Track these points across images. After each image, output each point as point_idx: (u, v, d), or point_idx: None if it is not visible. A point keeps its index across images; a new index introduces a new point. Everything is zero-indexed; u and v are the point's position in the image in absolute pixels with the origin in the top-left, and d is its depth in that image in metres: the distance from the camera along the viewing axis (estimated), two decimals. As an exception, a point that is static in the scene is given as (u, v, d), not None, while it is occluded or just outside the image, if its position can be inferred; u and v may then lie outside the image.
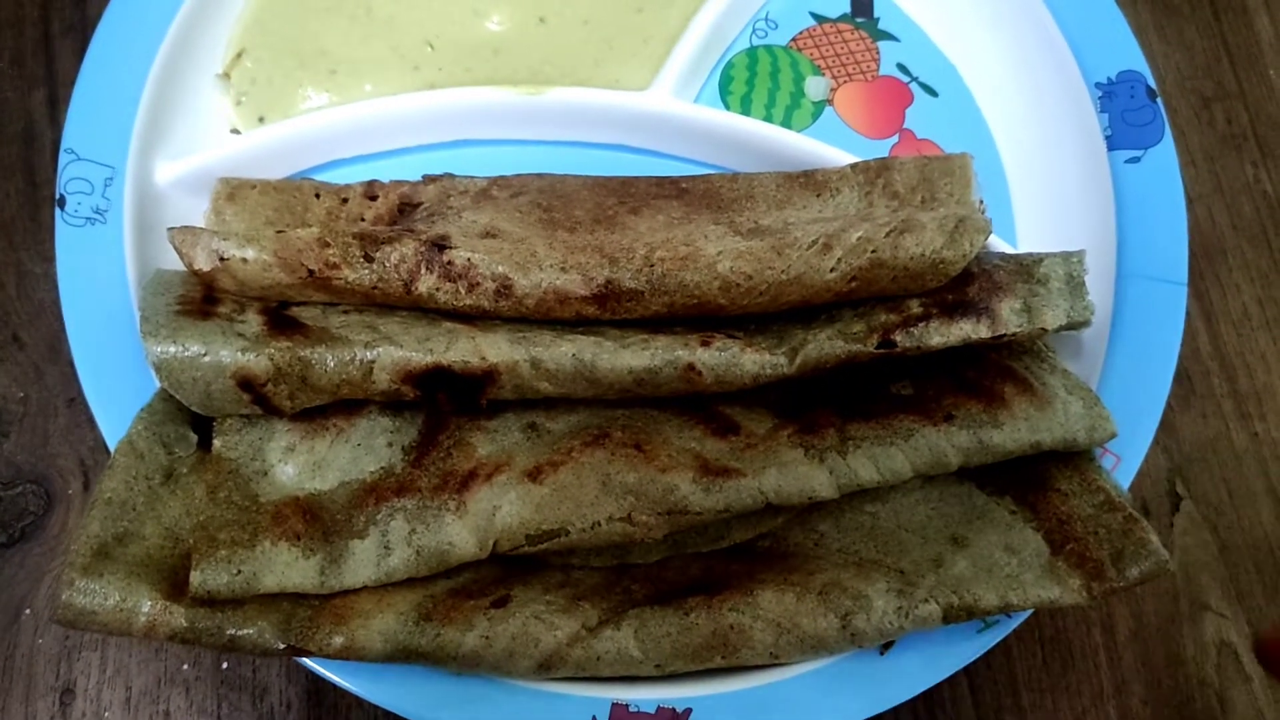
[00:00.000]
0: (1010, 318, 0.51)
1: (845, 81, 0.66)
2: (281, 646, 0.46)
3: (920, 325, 0.50)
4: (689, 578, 0.51)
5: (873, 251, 0.50)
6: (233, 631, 0.46)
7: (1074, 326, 0.53)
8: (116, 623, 0.46)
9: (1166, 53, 0.71)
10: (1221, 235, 0.68)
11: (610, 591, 0.50)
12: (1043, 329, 0.51)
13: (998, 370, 0.53)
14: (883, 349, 0.50)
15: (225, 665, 0.57)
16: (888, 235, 0.50)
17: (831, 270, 0.50)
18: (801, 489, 0.49)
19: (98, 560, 0.46)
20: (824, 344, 0.50)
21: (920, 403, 0.52)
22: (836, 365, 0.50)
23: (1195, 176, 0.69)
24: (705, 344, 0.50)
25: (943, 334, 0.50)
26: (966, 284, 0.52)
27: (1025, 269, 0.54)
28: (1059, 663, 0.59)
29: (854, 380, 0.53)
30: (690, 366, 0.49)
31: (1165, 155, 0.61)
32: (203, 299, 0.49)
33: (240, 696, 0.57)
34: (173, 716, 0.57)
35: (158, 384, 0.46)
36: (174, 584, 0.47)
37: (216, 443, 0.50)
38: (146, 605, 0.46)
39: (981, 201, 0.57)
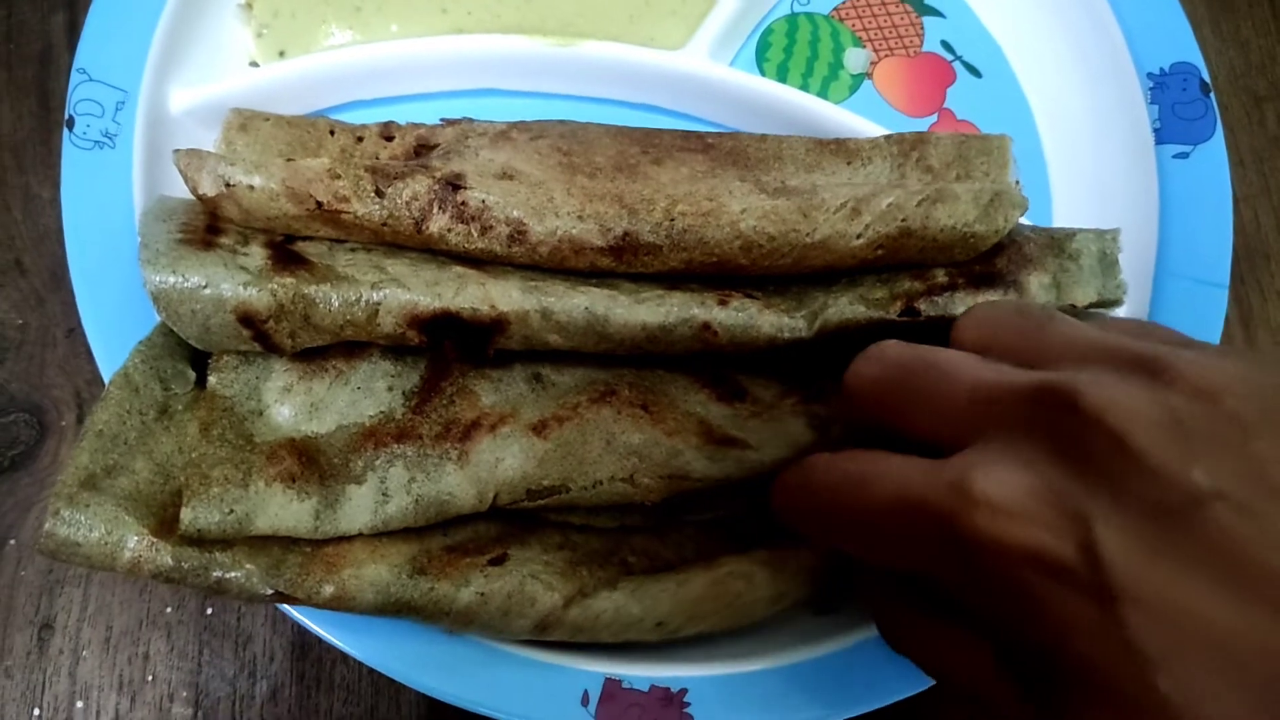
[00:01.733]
0: (1039, 292, 0.50)
1: (886, 55, 0.64)
2: (269, 592, 0.45)
3: (945, 295, 0.49)
4: (684, 554, 0.50)
5: (902, 220, 0.48)
6: (219, 574, 0.45)
7: (1104, 305, 0.51)
8: (101, 556, 0.44)
9: (1220, 48, 0.68)
10: (1266, 239, 0.65)
11: (608, 561, 0.49)
12: (1072, 306, 0.50)
13: None
14: (906, 317, 0.48)
15: (210, 611, 0.56)
16: (919, 204, 0.48)
17: (858, 237, 0.49)
18: None
19: (84, 491, 0.44)
20: (845, 309, 0.48)
21: None
22: (856, 331, 0.48)
23: (1243, 177, 0.66)
24: (723, 303, 0.48)
25: (968, 305, 0.49)
26: (995, 255, 0.51)
27: (1057, 243, 0.52)
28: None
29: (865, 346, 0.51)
30: (706, 325, 0.47)
31: (1215, 152, 0.58)
32: (206, 228, 0.47)
33: (223, 643, 0.56)
34: (152, 659, 0.55)
35: (145, 289, 0.44)
36: (162, 521, 0.45)
37: (211, 379, 0.48)
38: (133, 540, 0.44)
39: (1018, 182, 0.55)
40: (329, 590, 0.45)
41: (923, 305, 0.48)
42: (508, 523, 0.50)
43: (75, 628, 0.55)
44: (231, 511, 0.45)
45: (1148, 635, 0.29)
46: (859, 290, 0.50)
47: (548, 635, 0.47)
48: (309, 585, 0.45)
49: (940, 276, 0.50)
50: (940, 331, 0.49)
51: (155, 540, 0.44)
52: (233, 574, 0.45)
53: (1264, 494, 0.29)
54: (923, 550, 0.36)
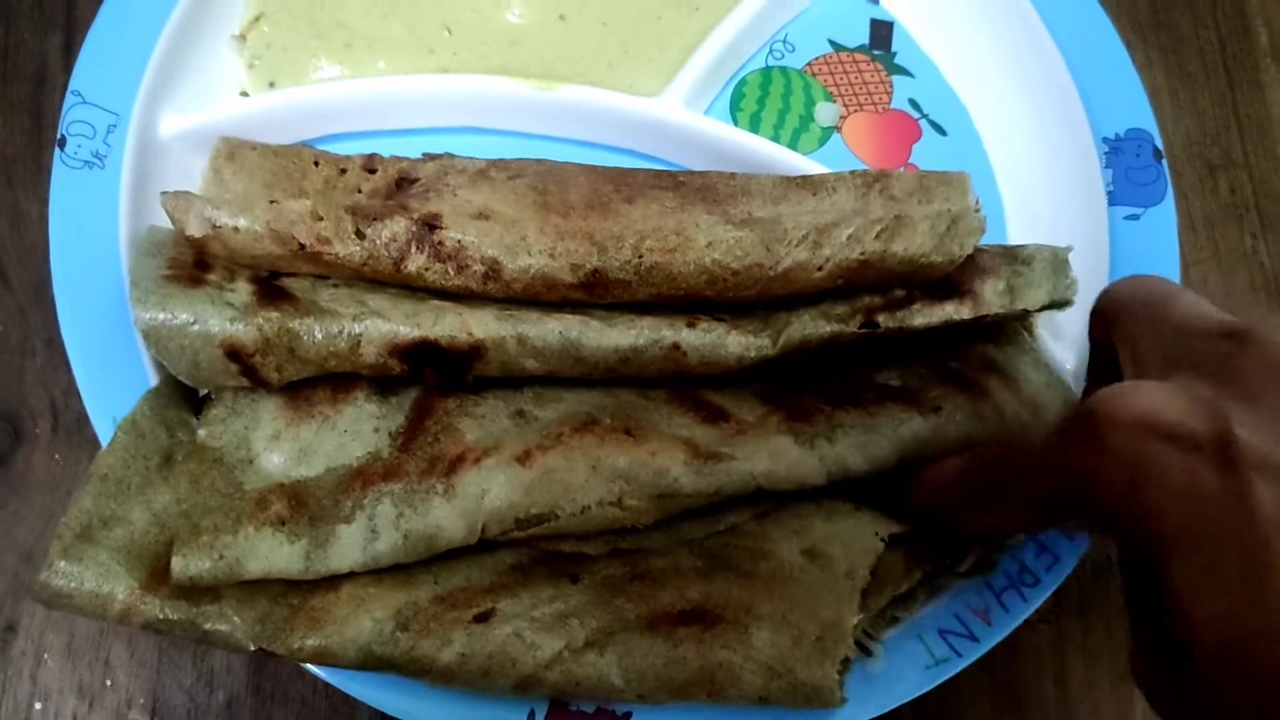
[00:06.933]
0: (993, 299, 0.52)
1: (855, 110, 0.66)
2: (252, 648, 0.46)
3: (904, 308, 0.51)
4: (687, 600, 0.49)
5: (861, 254, 0.51)
6: (208, 626, 0.46)
7: (1057, 305, 0.54)
8: (92, 607, 0.45)
9: (1177, 117, 0.71)
10: (1215, 303, 0.67)
11: (601, 610, 0.49)
12: (1025, 309, 0.52)
13: (981, 363, 0.55)
14: (865, 329, 0.51)
15: (172, 622, 0.57)
16: (878, 236, 0.51)
17: (819, 269, 0.51)
18: (791, 474, 0.49)
19: (80, 543, 0.45)
20: (807, 324, 0.51)
21: (908, 393, 0.53)
22: (819, 345, 0.51)
23: (1194, 241, 0.69)
24: (691, 325, 0.50)
25: (925, 315, 0.51)
26: None
27: (1010, 252, 0.55)
28: (1009, 711, 0.59)
29: (840, 368, 0.53)
30: (675, 346, 0.50)
31: (1165, 216, 0.61)
32: (194, 264, 0.49)
33: (182, 654, 0.57)
34: (112, 666, 0.56)
35: (135, 327, 0.46)
36: (153, 573, 0.46)
37: (201, 433, 0.49)
38: (123, 593, 0.45)
39: (978, 201, 0.54)
40: (311, 645, 0.46)
41: (881, 318, 0.51)
42: (501, 572, 0.50)
43: (39, 632, 0.56)
44: (222, 557, 0.46)
45: (1269, 499, 0.32)
46: (821, 306, 0.52)
47: (529, 695, 0.48)
48: (292, 641, 0.46)
49: (898, 291, 0.53)
50: (899, 343, 0.52)
51: (145, 593, 0.45)
52: (220, 626, 0.46)
53: None
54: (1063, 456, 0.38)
